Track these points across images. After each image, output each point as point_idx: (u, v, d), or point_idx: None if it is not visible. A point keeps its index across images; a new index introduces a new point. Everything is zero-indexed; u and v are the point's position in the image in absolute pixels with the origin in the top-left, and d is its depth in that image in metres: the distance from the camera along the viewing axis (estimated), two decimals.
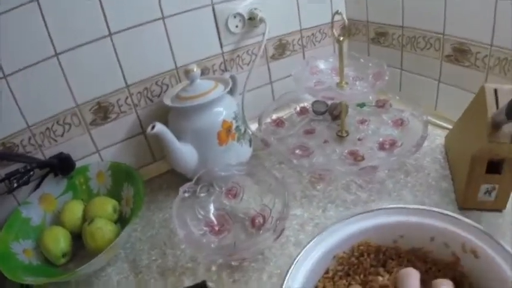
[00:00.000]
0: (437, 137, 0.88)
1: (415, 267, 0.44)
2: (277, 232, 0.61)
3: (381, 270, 0.48)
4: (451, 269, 0.48)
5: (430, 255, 0.50)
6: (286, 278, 0.44)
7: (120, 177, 0.80)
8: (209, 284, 0.60)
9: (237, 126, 0.80)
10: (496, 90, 0.62)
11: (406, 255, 0.50)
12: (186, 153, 0.75)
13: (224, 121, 0.77)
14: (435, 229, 0.49)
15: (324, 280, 0.48)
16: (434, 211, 0.50)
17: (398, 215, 0.51)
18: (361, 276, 0.49)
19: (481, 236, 0.45)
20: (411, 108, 0.86)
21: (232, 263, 0.64)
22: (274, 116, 0.94)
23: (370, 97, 0.93)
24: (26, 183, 0.75)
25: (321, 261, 0.48)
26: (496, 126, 0.59)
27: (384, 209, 0.52)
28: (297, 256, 0.46)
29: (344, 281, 0.48)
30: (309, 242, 0.48)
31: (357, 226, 0.51)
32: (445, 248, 0.48)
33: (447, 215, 0.49)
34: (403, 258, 0.50)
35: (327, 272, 0.49)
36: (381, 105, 0.92)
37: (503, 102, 0.57)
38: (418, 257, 0.50)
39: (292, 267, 0.45)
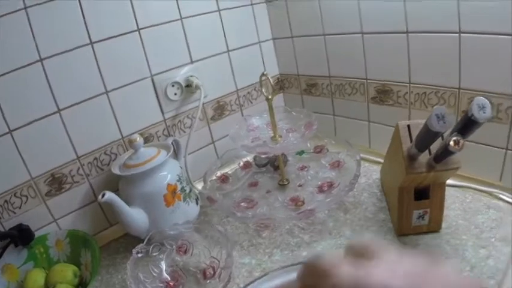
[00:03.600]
0: (373, 173, 1.05)
1: None
2: (222, 281, 0.76)
3: None
4: None
5: None
6: None
7: (78, 243, 0.92)
8: None
9: (182, 187, 0.95)
10: (409, 126, 0.77)
11: None
12: (136, 217, 0.88)
13: (168, 184, 0.91)
14: None
15: None
16: None
17: None
18: None
19: None
20: (346, 150, 1.02)
21: None
22: (219, 173, 1.10)
23: (308, 144, 1.10)
24: None
25: None
26: (412, 158, 0.73)
27: None
28: None
29: None
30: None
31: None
32: None
33: None
34: None
35: None
36: (319, 150, 1.09)
37: (415, 136, 0.72)
38: None
39: None
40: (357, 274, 0.30)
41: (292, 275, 0.64)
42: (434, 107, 0.60)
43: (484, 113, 0.57)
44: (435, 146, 0.70)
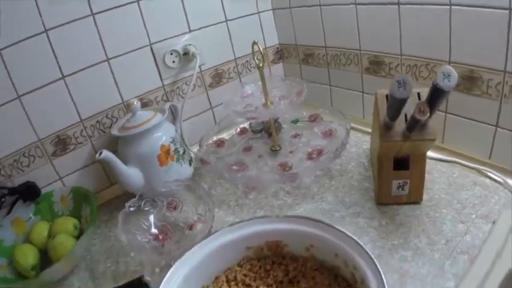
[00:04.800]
0: (364, 143, 1.11)
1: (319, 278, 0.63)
2: (200, 233, 0.84)
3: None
4: None
5: (337, 271, 0.65)
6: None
7: (80, 199, 1.02)
8: (146, 278, 0.79)
9: (176, 149, 1.03)
10: (387, 96, 0.80)
11: (316, 265, 0.68)
12: (132, 175, 0.98)
13: (162, 145, 1.00)
14: (337, 247, 0.63)
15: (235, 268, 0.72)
16: (337, 229, 0.64)
17: (302, 225, 0.69)
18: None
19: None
20: (339, 119, 1.08)
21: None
22: (215, 138, 1.18)
23: (304, 113, 1.16)
24: None
25: (227, 249, 0.71)
26: (388, 127, 0.76)
27: (288, 216, 0.72)
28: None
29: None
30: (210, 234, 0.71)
31: (263, 227, 0.72)
32: (345, 267, 0.63)
33: (347, 235, 0.62)
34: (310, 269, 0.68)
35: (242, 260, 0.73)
36: (313, 119, 1.15)
37: None
38: (324, 271, 0.67)
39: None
40: None
41: (252, 228, 0.73)
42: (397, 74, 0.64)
43: (449, 81, 0.60)
44: None
